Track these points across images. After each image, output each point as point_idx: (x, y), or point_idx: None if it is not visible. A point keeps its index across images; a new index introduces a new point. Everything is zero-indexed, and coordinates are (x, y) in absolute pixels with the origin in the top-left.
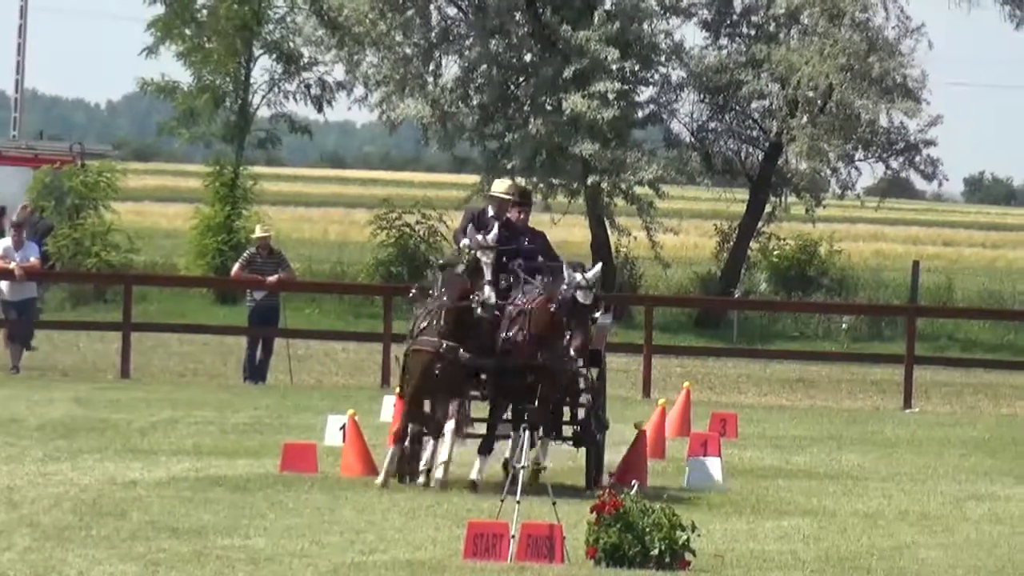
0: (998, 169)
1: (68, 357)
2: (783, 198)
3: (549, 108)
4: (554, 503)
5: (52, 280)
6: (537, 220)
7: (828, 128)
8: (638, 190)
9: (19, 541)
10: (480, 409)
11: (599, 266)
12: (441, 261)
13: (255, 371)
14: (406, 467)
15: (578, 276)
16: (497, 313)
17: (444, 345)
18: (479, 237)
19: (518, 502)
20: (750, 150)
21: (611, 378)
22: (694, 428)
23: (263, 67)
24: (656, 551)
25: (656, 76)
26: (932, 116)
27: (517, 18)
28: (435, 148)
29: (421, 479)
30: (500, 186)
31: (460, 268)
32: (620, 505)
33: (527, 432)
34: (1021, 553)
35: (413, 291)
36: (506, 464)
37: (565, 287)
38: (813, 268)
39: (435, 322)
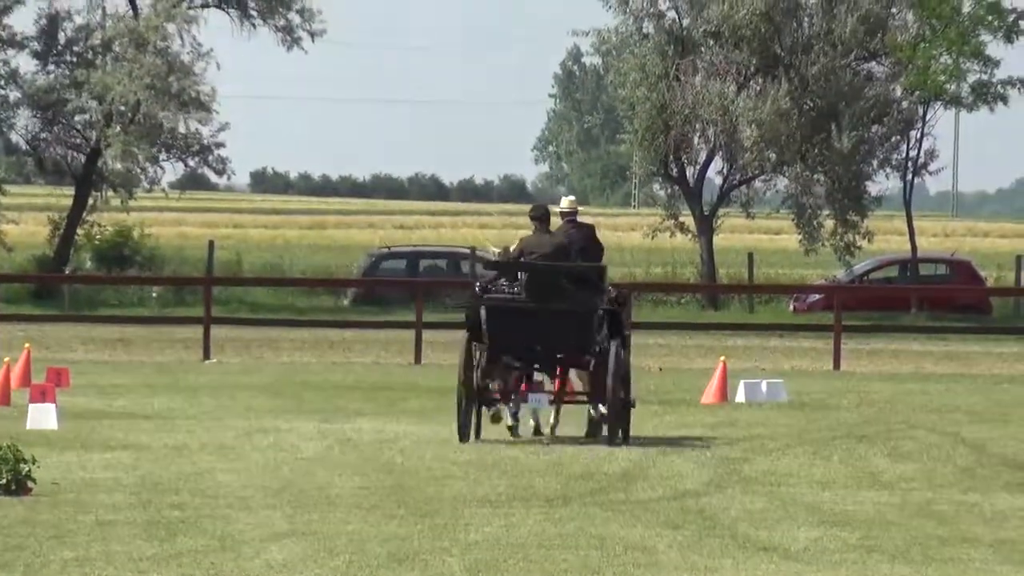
0: (278, 164)
1: None
2: (103, 192)
3: None
4: None
5: None
6: None
7: (138, 135)
8: None
9: None
10: None
11: None
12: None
13: None
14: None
15: None
16: None
17: None
18: None
19: None
20: (75, 155)
21: None
22: (34, 380)
23: None
24: (4, 481)
25: None
26: (221, 123)
27: None
28: None
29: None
30: (565, 202)
31: None
32: None
33: None
34: (298, 474)
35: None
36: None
37: None
38: (128, 248)
39: None
